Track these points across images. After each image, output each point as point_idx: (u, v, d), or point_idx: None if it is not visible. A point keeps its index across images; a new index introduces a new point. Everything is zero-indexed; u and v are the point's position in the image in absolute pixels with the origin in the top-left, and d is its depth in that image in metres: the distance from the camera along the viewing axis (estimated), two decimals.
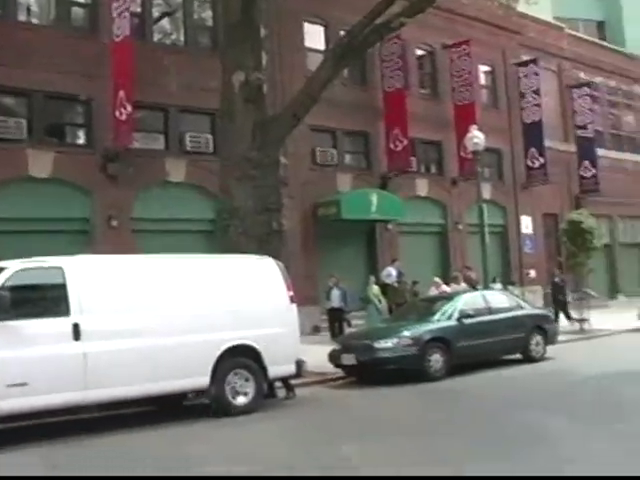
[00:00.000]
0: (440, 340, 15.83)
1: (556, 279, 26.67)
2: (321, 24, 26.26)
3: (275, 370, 12.73)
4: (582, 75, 37.20)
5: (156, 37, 23.30)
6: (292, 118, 16.58)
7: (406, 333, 15.69)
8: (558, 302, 25.85)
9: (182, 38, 23.77)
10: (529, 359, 17.69)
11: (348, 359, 15.62)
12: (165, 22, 23.87)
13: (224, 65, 16.25)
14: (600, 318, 25.41)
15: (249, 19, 16.13)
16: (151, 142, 22.44)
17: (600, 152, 36.50)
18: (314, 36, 25.97)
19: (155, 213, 21.63)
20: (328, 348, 16.62)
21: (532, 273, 32.20)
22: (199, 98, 21.72)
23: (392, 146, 26.90)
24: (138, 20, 22.34)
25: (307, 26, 25.99)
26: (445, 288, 23.05)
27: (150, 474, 8.42)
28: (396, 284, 24.37)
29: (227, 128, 16.29)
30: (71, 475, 8.68)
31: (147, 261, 12.70)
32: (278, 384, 13.74)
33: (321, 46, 25.81)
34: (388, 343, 15.39)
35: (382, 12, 16.91)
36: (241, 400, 12.23)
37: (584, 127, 35.87)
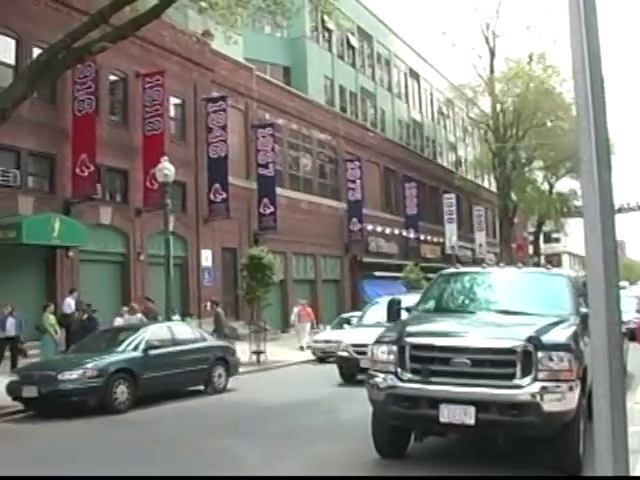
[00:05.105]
0: (126, 371, 15.71)
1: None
2: (13, 37, 24.60)
3: None
4: (267, 116, 38.60)
5: None
6: None
7: (91, 364, 15.39)
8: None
9: None
10: (212, 390, 18.00)
11: (29, 391, 14.95)
12: None
13: None
14: (275, 350, 26.53)
15: None
16: None
17: (279, 191, 37.94)
18: (4, 49, 24.32)
19: None
20: (6, 379, 15.80)
21: (209, 305, 32.77)
22: None
23: (78, 171, 25.92)
24: None
25: None
26: (129, 317, 22.95)
27: None
28: (75, 314, 23.76)
29: None
30: None
31: None
32: None
33: (11, 61, 24.29)
34: (73, 374, 15.01)
35: (85, 34, 16.57)
36: None
37: (265, 166, 37.08)
